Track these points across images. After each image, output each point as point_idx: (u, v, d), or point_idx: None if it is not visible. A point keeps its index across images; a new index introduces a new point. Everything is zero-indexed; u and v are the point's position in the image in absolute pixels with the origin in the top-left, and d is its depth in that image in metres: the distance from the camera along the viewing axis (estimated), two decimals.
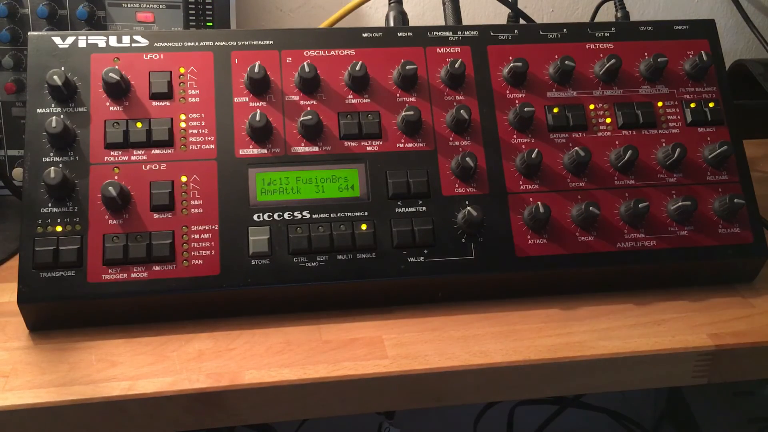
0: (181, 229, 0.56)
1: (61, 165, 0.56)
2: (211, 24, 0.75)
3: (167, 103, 0.59)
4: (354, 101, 0.61)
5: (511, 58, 0.63)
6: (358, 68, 0.60)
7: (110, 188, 0.54)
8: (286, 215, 0.57)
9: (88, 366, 0.52)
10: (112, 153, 0.57)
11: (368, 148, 0.60)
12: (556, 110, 0.62)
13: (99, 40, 0.60)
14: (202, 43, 0.61)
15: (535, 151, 0.59)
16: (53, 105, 0.58)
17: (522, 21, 0.79)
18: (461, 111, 0.60)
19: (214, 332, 0.55)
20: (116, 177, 0.57)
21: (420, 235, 0.58)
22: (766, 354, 0.56)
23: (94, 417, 0.49)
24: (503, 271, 0.58)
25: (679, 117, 0.64)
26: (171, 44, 0.61)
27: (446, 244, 0.58)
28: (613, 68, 0.63)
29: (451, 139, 0.61)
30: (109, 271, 0.54)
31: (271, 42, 0.62)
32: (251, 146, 0.59)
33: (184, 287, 0.55)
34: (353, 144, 0.60)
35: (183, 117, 0.59)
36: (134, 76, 0.59)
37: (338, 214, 0.58)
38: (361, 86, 0.61)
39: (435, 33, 0.64)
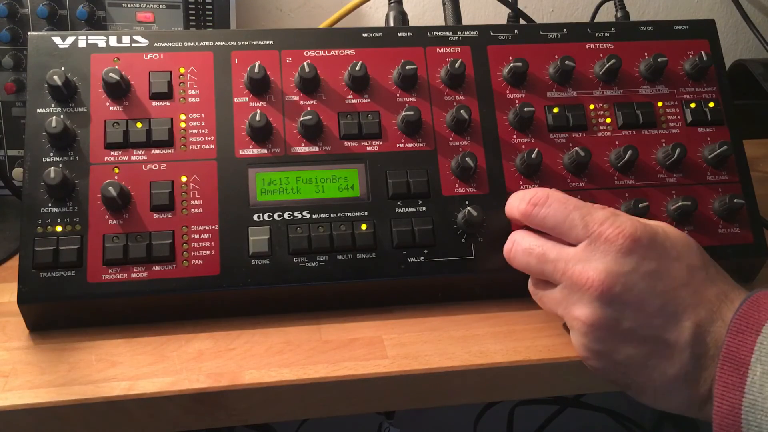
0: (181, 229, 0.56)
1: (61, 165, 0.56)
2: (211, 21, 0.75)
3: (167, 103, 0.59)
4: (354, 101, 0.61)
5: (511, 58, 0.63)
6: (358, 68, 0.60)
7: (110, 188, 0.54)
8: (286, 215, 0.57)
9: (88, 366, 0.51)
10: (112, 153, 0.57)
11: (368, 148, 0.60)
12: (556, 110, 0.62)
13: (99, 40, 0.60)
14: (202, 43, 0.61)
15: (535, 151, 0.59)
16: (53, 105, 0.57)
17: (522, 21, 0.79)
18: (461, 111, 0.60)
19: (214, 332, 0.55)
20: (116, 177, 0.57)
21: (420, 235, 0.58)
22: None
23: (94, 417, 0.49)
24: (503, 271, 0.58)
25: (679, 117, 0.64)
26: (171, 44, 0.61)
27: (446, 244, 0.58)
28: (613, 68, 0.63)
29: (451, 139, 0.61)
30: (109, 271, 0.54)
31: (271, 42, 0.62)
32: (251, 146, 0.59)
33: (184, 287, 0.55)
34: (353, 144, 0.60)
35: (183, 117, 0.59)
36: (134, 76, 0.59)
37: (338, 214, 0.58)
38: (361, 86, 0.61)
39: (435, 33, 0.64)
